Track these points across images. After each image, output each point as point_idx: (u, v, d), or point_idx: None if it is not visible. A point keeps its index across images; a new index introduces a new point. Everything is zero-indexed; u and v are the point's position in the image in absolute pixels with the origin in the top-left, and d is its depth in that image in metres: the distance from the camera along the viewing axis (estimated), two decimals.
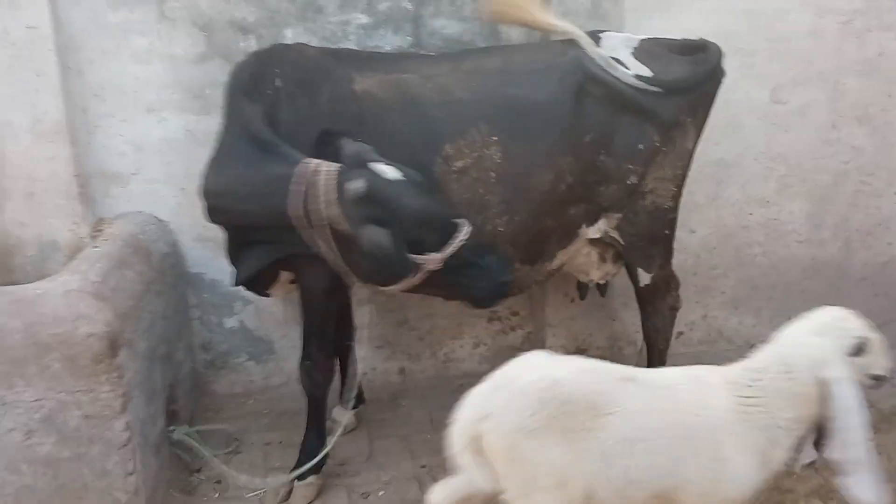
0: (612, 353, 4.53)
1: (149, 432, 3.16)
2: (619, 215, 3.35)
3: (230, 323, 4.21)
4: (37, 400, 2.81)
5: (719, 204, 4.50)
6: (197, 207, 3.93)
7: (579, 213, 3.32)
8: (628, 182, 3.27)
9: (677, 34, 3.52)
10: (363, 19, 3.82)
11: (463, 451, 2.36)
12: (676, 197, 3.43)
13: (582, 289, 3.90)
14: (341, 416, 3.95)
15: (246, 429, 3.99)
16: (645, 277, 3.53)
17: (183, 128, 3.81)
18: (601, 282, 3.70)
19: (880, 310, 4.88)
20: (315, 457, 3.37)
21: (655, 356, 3.71)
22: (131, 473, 2.96)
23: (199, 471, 3.60)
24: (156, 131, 3.81)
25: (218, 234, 3.96)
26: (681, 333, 4.51)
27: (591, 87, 3.17)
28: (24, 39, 3.31)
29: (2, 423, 2.81)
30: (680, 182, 3.41)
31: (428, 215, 2.77)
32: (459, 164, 3.09)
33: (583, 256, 3.53)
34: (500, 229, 3.19)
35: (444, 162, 3.08)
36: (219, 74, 3.55)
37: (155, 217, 3.88)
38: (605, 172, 3.25)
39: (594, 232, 3.41)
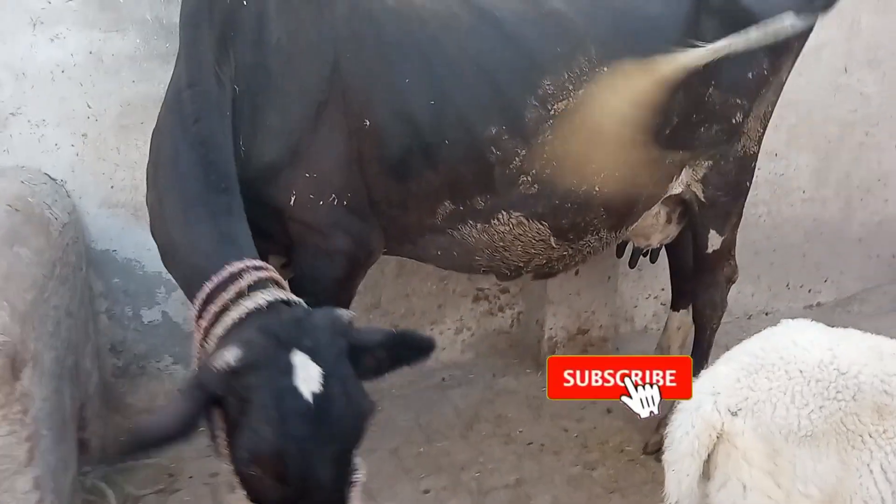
0: (614, 335, 3.93)
1: (62, 484, 2.18)
2: (709, 163, 2.79)
3: (150, 315, 3.23)
4: None
5: None
6: (104, 162, 2.95)
7: (675, 163, 2.73)
8: (733, 121, 2.71)
9: None
10: None
11: (693, 457, 1.76)
12: (761, 141, 2.88)
13: (634, 255, 3.26)
14: None
15: (180, 458, 3.00)
16: (715, 241, 2.95)
17: (85, 49, 2.86)
18: (657, 246, 3.11)
19: (874, 273, 4.65)
20: None
21: (706, 338, 3.12)
22: None
23: None
24: (45, 53, 2.83)
25: (132, 198, 3.00)
26: None
27: None
28: None
29: None
30: (767, 123, 2.87)
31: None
32: (561, 105, 2.38)
33: (651, 218, 2.92)
34: (596, 190, 2.54)
35: (541, 105, 2.36)
36: None
37: (45, 174, 2.86)
38: (710, 110, 2.66)
39: (678, 186, 2.81)
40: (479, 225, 2.53)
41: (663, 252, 3.36)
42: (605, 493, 2.96)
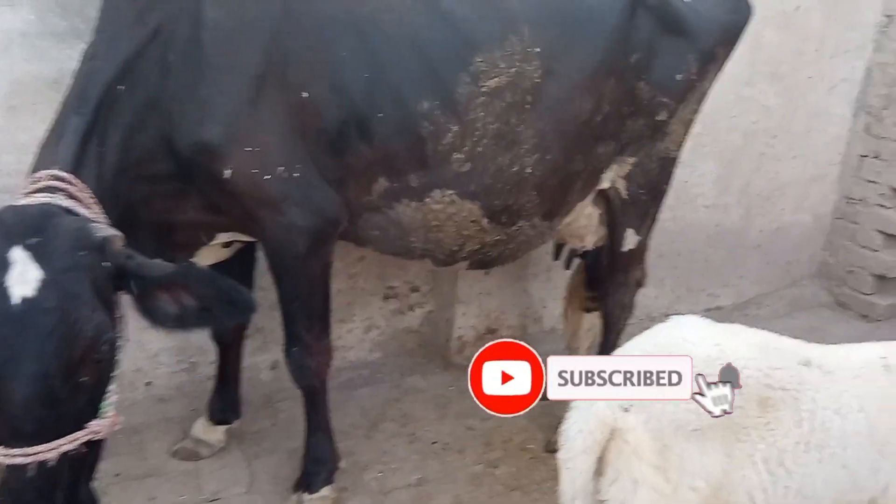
0: (523, 335, 3.95)
1: None
2: (634, 160, 2.84)
3: None
4: None
5: None
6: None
7: (607, 152, 2.77)
8: (657, 118, 2.77)
9: None
10: None
11: (586, 453, 1.77)
12: (681, 147, 2.95)
13: (570, 257, 3.33)
14: (208, 433, 3.00)
15: None
16: (631, 241, 2.99)
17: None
18: (590, 248, 3.13)
19: (770, 278, 4.83)
20: (327, 462, 2.78)
21: (612, 339, 3.17)
22: None
23: None
24: None
25: (19, 183, 2.82)
26: None
27: None
28: None
29: None
30: (689, 127, 2.94)
31: None
32: (492, 83, 2.42)
33: (584, 218, 2.97)
34: (527, 171, 2.59)
35: (473, 81, 2.41)
36: None
37: None
38: (639, 103, 2.73)
39: (605, 180, 2.87)
40: (413, 203, 2.54)
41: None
42: (506, 490, 2.97)
